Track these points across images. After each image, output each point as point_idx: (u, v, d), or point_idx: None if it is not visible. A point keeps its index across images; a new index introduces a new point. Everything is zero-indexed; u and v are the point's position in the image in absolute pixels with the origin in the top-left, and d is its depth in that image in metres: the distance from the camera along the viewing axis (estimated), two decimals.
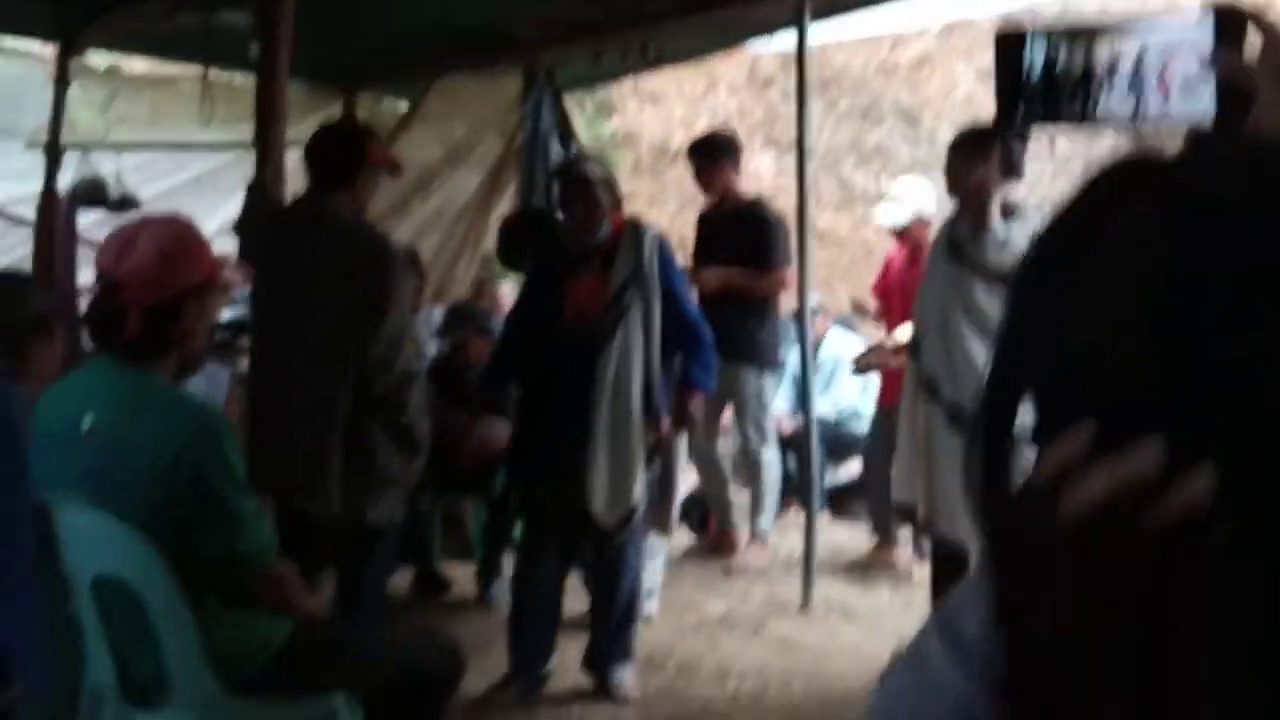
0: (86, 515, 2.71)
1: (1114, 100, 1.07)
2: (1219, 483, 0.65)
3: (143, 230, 2.83)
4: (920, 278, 6.52)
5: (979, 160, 4.47)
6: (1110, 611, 0.69)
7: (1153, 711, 0.68)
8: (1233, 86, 1.05)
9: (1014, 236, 4.42)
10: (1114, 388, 0.70)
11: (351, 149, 4.35)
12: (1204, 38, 1.05)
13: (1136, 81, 1.07)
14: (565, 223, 4.71)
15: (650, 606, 5.47)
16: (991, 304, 4.45)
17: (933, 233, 6.64)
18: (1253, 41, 1.08)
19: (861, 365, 6.90)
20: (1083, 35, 1.08)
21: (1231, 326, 0.66)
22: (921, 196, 6.71)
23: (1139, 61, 1.06)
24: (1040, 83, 1.09)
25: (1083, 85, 1.08)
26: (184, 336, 2.87)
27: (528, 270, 5.19)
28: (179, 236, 2.87)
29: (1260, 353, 0.66)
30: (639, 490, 4.55)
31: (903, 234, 6.70)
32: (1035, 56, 1.09)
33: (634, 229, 4.63)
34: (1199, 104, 1.05)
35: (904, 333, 6.57)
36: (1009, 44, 1.10)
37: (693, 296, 5.40)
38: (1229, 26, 1.06)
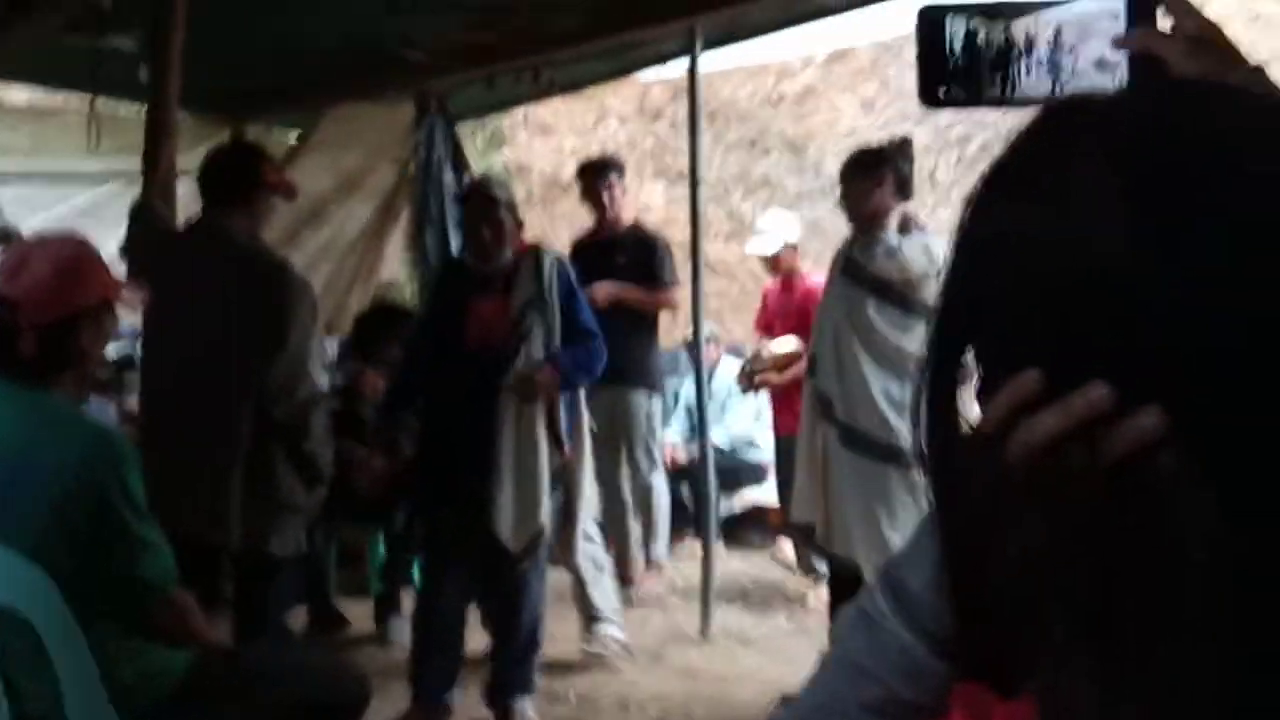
0: None
1: (1032, 79, 1.09)
2: (1166, 417, 0.66)
3: (37, 249, 2.77)
4: (795, 300, 6.74)
5: (873, 184, 4.56)
6: (1060, 550, 0.70)
7: (1108, 649, 0.69)
8: (1145, 60, 1.07)
9: (903, 247, 4.50)
10: (1059, 331, 0.70)
11: (246, 169, 4.29)
12: (1117, 16, 1.08)
13: (1053, 60, 1.08)
14: (469, 245, 4.70)
15: (612, 630, 5.42)
16: (881, 321, 4.52)
17: (800, 258, 6.92)
18: (1162, 21, 1.11)
19: (744, 381, 6.98)
20: (1001, 14, 1.09)
21: (1177, 264, 0.67)
22: (787, 227, 7.08)
23: (1055, 40, 1.08)
24: (961, 62, 1.10)
25: (1001, 64, 1.09)
26: (81, 356, 2.81)
27: (426, 295, 5.16)
28: (75, 255, 2.81)
29: (1207, 288, 0.66)
30: (544, 514, 4.52)
31: (774, 261, 6.94)
32: (956, 35, 1.10)
33: (535, 252, 4.65)
34: (1113, 82, 1.07)
35: (781, 344, 6.67)
36: (930, 22, 1.11)
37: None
38: (1142, 5, 1.08)
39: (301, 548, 4.40)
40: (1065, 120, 0.77)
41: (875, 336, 4.53)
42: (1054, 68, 1.09)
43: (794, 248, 6.96)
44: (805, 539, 5.16)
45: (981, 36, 1.10)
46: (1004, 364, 0.73)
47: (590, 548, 5.34)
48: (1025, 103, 1.09)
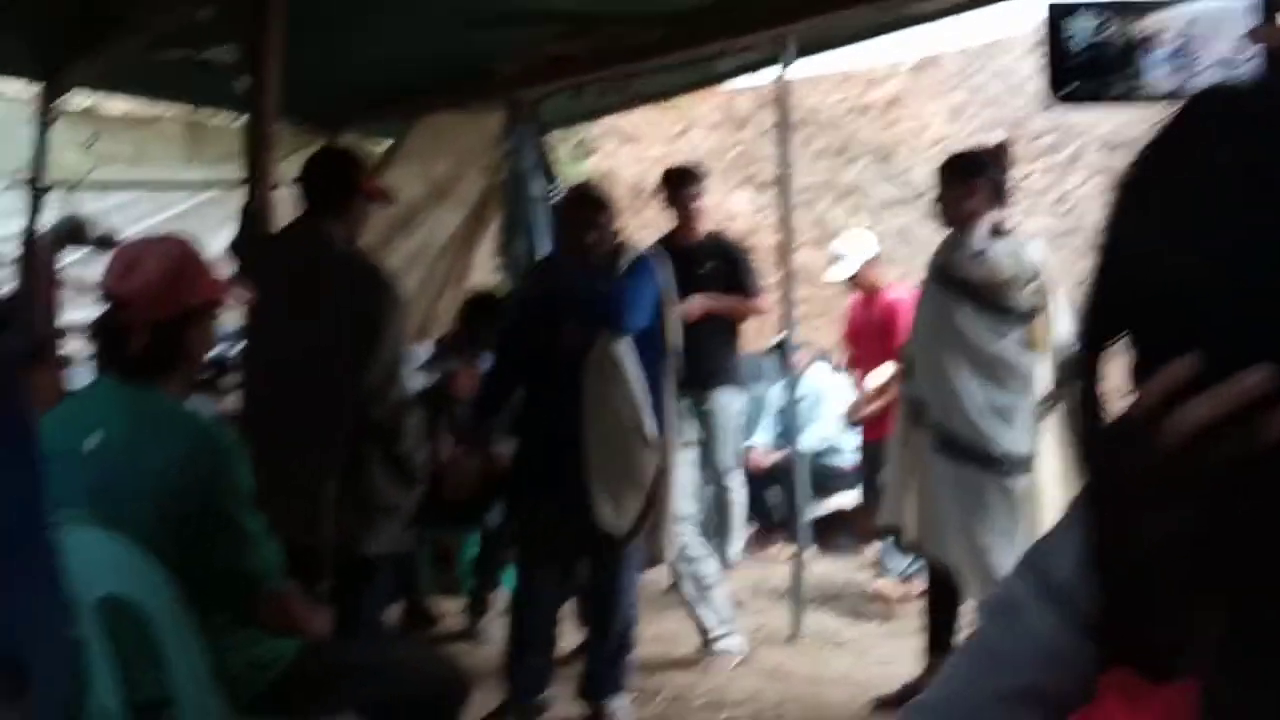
0: (92, 534, 2.70)
1: (1158, 76, 1.10)
2: None
3: (148, 249, 2.85)
4: (876, 313, 6.75)
5: (967, 189, 4.55)
6: (1216, 537, 0.70)
7: (1258, 635, 0.69)
8: None
9: (993, 251, 4.48)
10: (1215, 317, 0.70)
11: (344, 176, 4.37)
12: (1245, 13, 1.08)
13: (1179, 56, 1.09)
14: (566, 247, 4.75)
15: (728, 644, 5.47)
16: (972, 326, 4.50)
17: (880, 271, 6.91)
18: None
19: (851, 419, 7.14)
20: (1129, 11, 1.11)
21: None
22: (861, 246, 7.04)
23: (1181, 36, 1.09)
24: (1087, 57, 1.12)
25: (1128, 60, 1.10)
26: (188, 355, 2.89)
27: (516, 296, 5.20)
28: (184, 255, 2.89)
29: None
30: (643, 500, 4.55)
31: (854, 281, 6.94)
32: (1083, 31, 1.12)
33: (628, 254, 4.69)
34: (1242, 79, 1.07)
35: (877, 376, 6.72)
36: (1059, 17, 1.13)
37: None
38: (1272, 1, 1.09)
39: (399, 547, 4.46)
40: (1204, 113, 0.77)
41: (967, 341, 4.51)
42: (1180, 64, 1.10)
43: (872, 263, 6.96)
44: (893, 542, 5.15)
45: (1108, 33, 1.11)
46: (1157, 350, 0.73)
47: (690, 567, 5.38)
48: (1151, 99, 1.10)
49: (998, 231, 4.57)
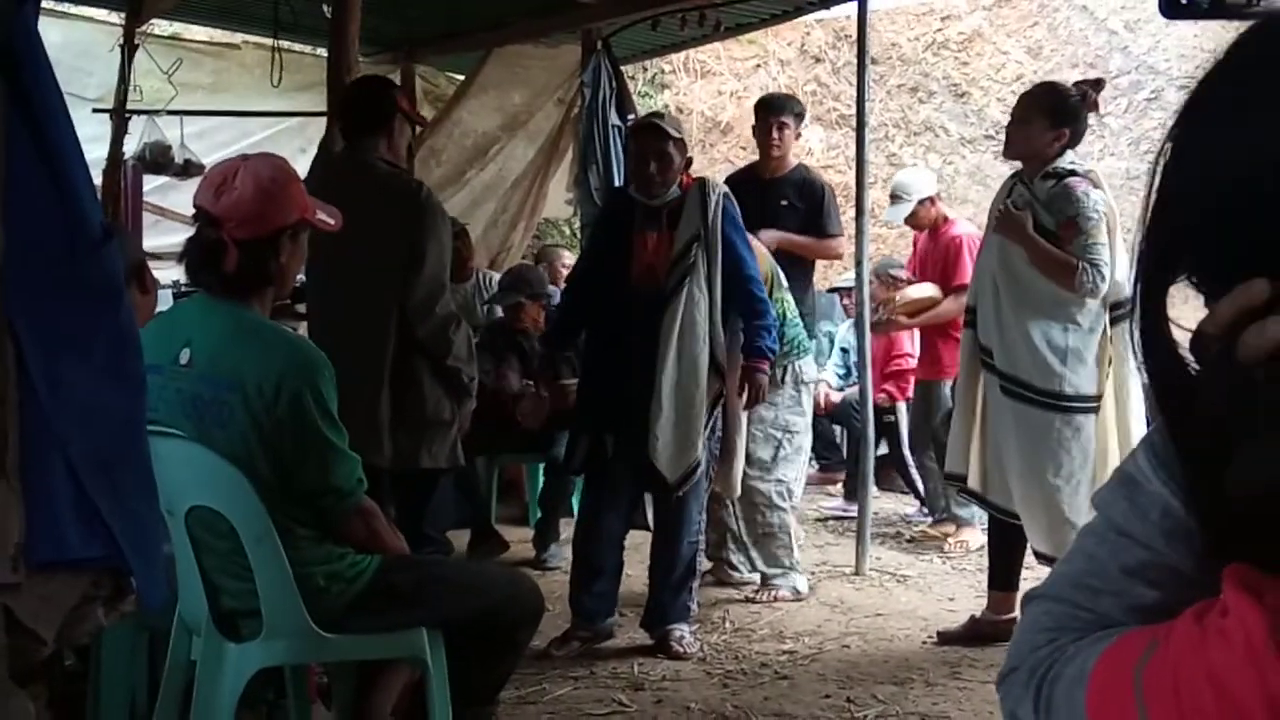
0: (184, 446, 2.80)
1: None
2: None
3: (241, 167, 2.91)
4: (940, 247, 6.65)
5: (1054, 134, 4.43)
6: None
7: None
8: None
9: (1059, 193, 4.41)
10: None
11: (380, 99, 4.47)
12: None
13: None
14: (635, 178, 4.71)
15: (792, 583, 5.50)
16: (1032, 275, 4.45)
17: (940, 208, 6.77)
18: None
19: (876, 325, 7.01)
20: None
21: None
22: (918, 185, 6.86)
23: None
24: None
25: None
26: (280, 272, 2.96)
27: (591, 228, 5.22)
28: (276, 175, 2.95)
29: None
30: (701, 446, 4.61)
31: (914, 220, 6.83)
32: None
33: (701, 186, 4.67)
34: None
35: (919, 290, 6.64)
36: None
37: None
38: None
39: (458, 461, 4.55)
40: (1275, 32, 0.78)
41: (1033, 285, 4.46)
42: None
43: (930, 201, 6.77)
44: (958, 489, 5.14)
45: None
46: (1227, 273, 0.75)
47: (750, 510, 5.38)
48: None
49: (1063, 174, 4.48)
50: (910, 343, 7.29)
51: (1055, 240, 4.41)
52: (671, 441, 4.56)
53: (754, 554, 5.49)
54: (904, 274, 7.00)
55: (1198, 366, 0.79)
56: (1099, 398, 4.44)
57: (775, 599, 5.40)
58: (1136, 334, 0.83)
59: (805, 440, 5.53)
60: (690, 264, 4.58)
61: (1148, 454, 0.92)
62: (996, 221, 4.59)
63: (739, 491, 5.12)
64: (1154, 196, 0.83)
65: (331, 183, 4.35)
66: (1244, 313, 0.74)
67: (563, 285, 6.36)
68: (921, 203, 6.71)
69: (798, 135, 6.23)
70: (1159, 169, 0.82)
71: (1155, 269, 0.83)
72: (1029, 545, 4.62)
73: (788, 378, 5.35)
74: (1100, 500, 0.97)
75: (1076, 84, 4.74)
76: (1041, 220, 4.45)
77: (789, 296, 5.35)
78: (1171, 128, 0.82)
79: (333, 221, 3.08)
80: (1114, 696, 0.84)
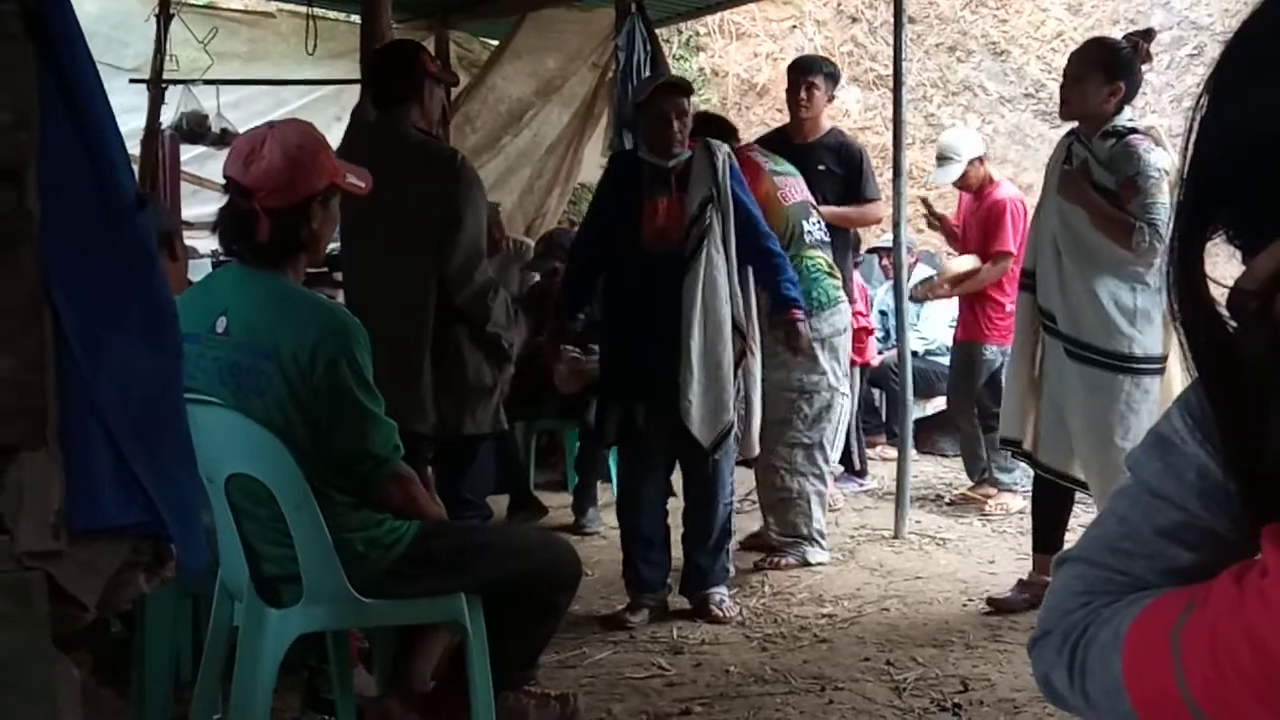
0: (222, 414, 2.82)
1: None
2: None
3: (269, 136, 2.91)
4: (982, 209, 6.57)
5: (1109, 89, 4.35)
6: None
7: None
8: None
9: (1119, 153, 4.33)
10: None
11: (409, 64, 4.46)
12: None
13: None
14: (653, 140, 4.65)
15: (814, 553, 5.43)
16: (1096, 236, 4.39)
17: (986, 169, 6.68)
18: None
19: (918, 296, 6.98)
20: None
21: None
22: (966, 145, 6.76)
23: None
24: None
25: None
26: (312, 239, 2.97)
27: (595, 194, 5.16)
28: (304, 142, 2.96)
29: None
30: (732, 408, 4.61)
31: (962, 182, 6.72)
32: None
33: (706, 148, 4.66)
34: None
35: (961, 262, 6.60)
36: None
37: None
38: None
39: (500, 425, 4.57)
40: None
41: (1099, 246, 4.38)
42: None
43: (979, 161, 6.67)
44: (1014, 454, 5.09)
45: None
46: (1265, 229, 0.74)
47: (767, 475, 5.35)
48: None
49: (1133, 131, 4.36)
50: (862, 301, 7.24)
51: (1115, 200, 4.34)
52: (703, 405, 4.56)
53: (769, 518, 5.46)
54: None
55: (1234, 324, 0.78)
56: (1165, 358, 4.38)
57: (778, 566, 5.34)
58: (1173, 290, 0.82)
59: (831, 400, 5.32)
60: (707, 225, 4.57)
61: (1183, 414, 0.91)
62: (1059, 184, 4.51)
63: (756, 451, 5.04)
64: (1190, 151, 0.81)
65: (365, 151, 4.35)
66: None
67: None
68: (971, 163, 6.63)
69: (831, 98, 6.15)
70: (1195, 123, 0.80)
71: (1191, 224, 0.81)
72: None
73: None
74: (1133, 461, 0.96)
75: (1126, 36, 4.68)
76: (1100, 180, 4.38)
77: (812, 253, 5.29)
78: (1207, 80, 0.80)
79: (363, 185, 3.07)
80: (1151, 660, 0.83)
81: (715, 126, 5.31)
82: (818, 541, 5.46)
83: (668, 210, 4.60)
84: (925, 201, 6.98)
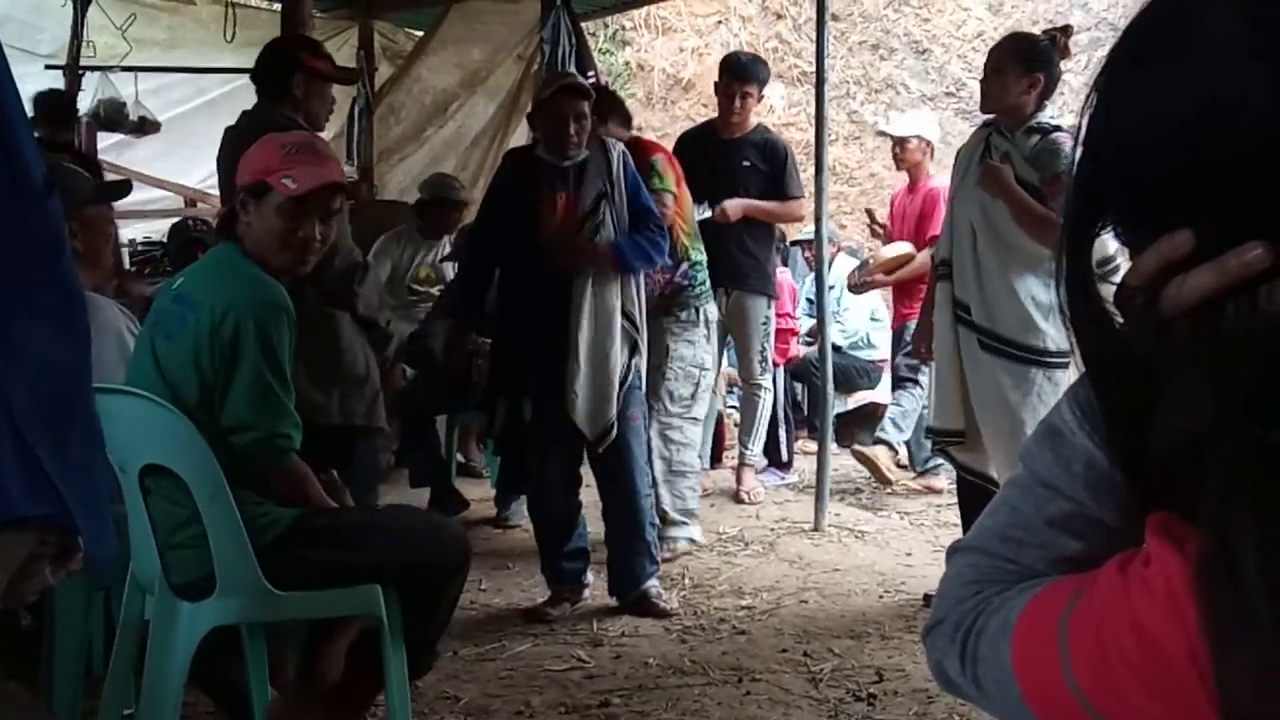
0: (135, 404, 2.79)
1: None
2: None
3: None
4: (916, 202, 6.63)
5: (1027, 82, 4.36)
6: (1223, 410, 0.72)
7: (1272, 510, 0.71)
8: None
9: (1038, 147, 4.34)
10: (1208, 191, 0.72)
11: (282, 58, 4.43)
12: None
13: None
14: (551, 138, 4.61)
15: (685, 534, 5.48)
16: (1016, 231, 4.39)
17: (928, 159, 6.74)
18: None
19: (854, 282, 7.05)
20: None
21: None
22: (925, 124, 6.83)
23: None
24: None
25: None
26: (247, 230, 3.04)
27: (489, 191, 5.12)
28: (262, 141, 3.20)
29: None
30: (614, 407, 4.62)
31: (902, 148, 6.76)
32: None
33: (601, 145, 4.67)
34: None
35: (893, 249, 6.66)
36: None
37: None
38: None
39: (377, 421, 4.46)
40: None
41: (1014, 238, 4.38)
42: None
43: (926, 144, 6.76)
44: (935, 448, 5.14)
45: None
46: (1151, 225, 0.75)
47: (669, 449, 5.36)
48: None
49: (1057, 129, 4.37)
50: (790, 299, 7.32)
51: (1038, 195, 4.35)
52: (589, 398, 4.58)
53: (663, 492, 5.41)
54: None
55: (1122, 319, 0.79)
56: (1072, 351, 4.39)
57: (674, 552, 5.36)
58: (1063, 286, 0.83)
59: (712, 380, 5.68)
60: (600, 220, 4.58)
61: (1072, 406, 0.92)
62: (979, 176, 4.51)
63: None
64: (1080, 148, 0.83)
65: (240, 146, 4.31)
66: (1167, 265, 0.74)
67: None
68: (919, 140, 6.70)
69: (759, 99, 6.24)
70: (1084, 120, 0.82)
71: (1080, 220, 0.83)
72: None
73: (699, 318, 5.43)
74: (1025, 452, 0.97)
75: (1045, 31, 4.73)
76: (1024, 175, 4.39)
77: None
78: (1096, 77, 0.82)
79: (295, 186, 3.03)
80: (1038, 646, 0.85)
81: (607, 104, 5.34)
82: (697, 518, 5.57)
83: (564, 205, 4.60)
84: (870, 213, 7.05)
